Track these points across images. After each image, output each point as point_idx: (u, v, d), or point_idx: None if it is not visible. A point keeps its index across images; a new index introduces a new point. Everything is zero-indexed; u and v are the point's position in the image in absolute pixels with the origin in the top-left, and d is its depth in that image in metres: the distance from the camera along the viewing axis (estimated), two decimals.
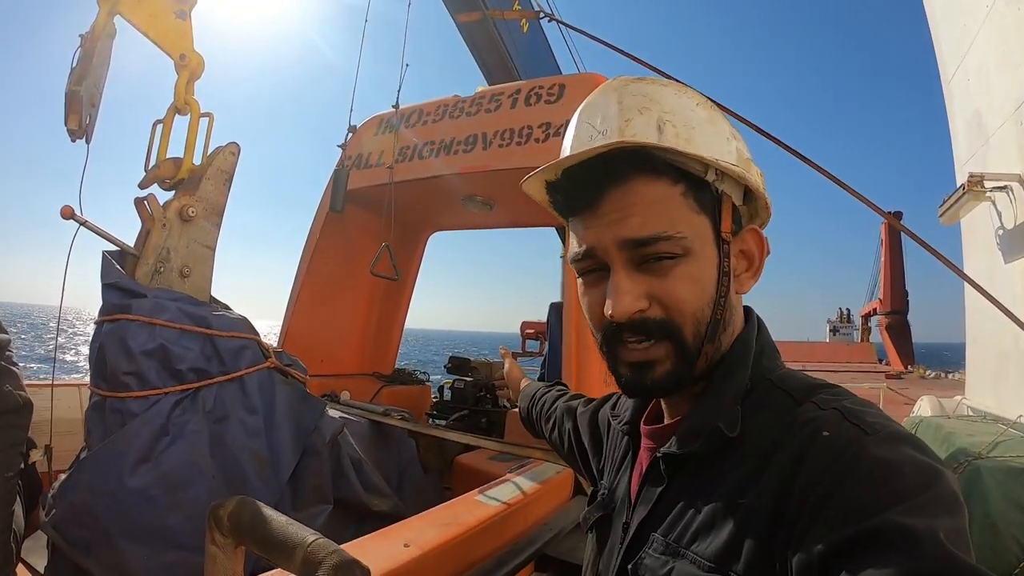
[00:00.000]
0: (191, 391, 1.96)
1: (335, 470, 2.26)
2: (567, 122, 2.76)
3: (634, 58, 3.49)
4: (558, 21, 3.66)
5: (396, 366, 4.16)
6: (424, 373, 4.23)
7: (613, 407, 1.08)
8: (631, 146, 0.72)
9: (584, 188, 0.76)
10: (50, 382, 2.42)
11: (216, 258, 2.24)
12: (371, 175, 3.32)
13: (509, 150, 2.98)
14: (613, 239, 0.74)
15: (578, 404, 1.28)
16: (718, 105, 0.83)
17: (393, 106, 3.22)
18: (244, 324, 2.17)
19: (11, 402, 1.74)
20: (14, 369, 1.81)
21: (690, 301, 0.74)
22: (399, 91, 3.17)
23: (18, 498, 1.85)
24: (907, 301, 37.04)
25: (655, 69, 3.43)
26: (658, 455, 0.79)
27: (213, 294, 2.27)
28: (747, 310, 0.85)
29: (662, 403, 0.89)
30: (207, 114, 2.15)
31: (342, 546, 0.96)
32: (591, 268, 0.79)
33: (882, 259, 37.88)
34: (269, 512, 1.15)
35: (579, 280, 0.82)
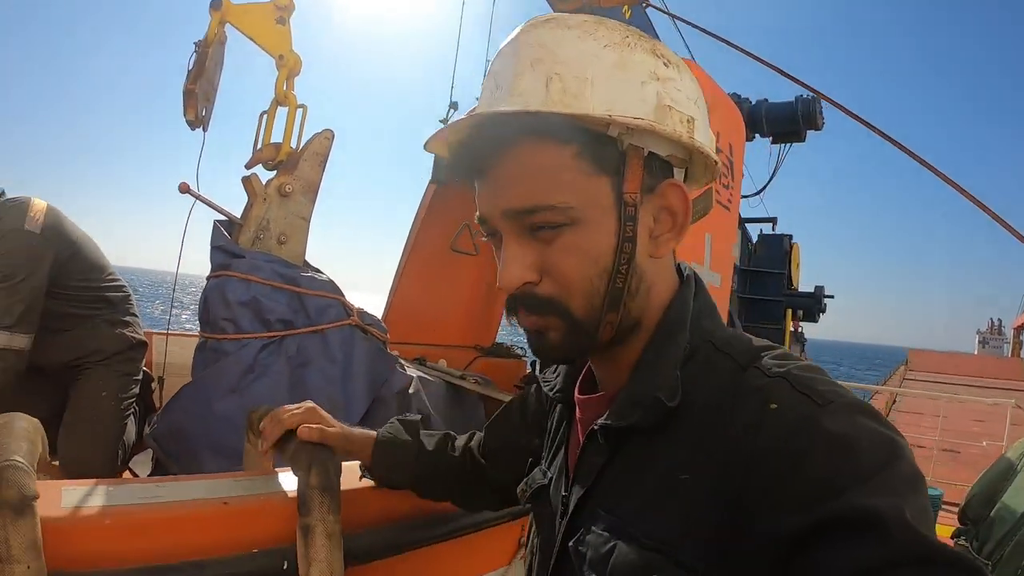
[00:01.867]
0: (277, 338, 2.31)
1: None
2: None
3: (735, 46, 3.47)
4: (654, 7, 3.70)
5: (496, 340, 4.41)
6: (522, 348, 4.44)
7: (544, 374, 1.01)
8: (503, 115, 0.69)
9: (475, 153, 0.74)
10: (166, 332, 2.91)
11: (313, 230, 2.60)
12: None
13: None
14: (499, 209, 0.72)
15: (514, 404, 1.21)
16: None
17: (476, 98, 3.45)
18: (330, 286, 2.50)
19: (125, 342, 2.36)
20: (132, 319, 2.42)
21: (577, 275, 0.70)
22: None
23: (132, 416, 2.36)
24: None
25: (761, 60, 3.38)
26: (595, 427, 0.75)
27: (309, 261, 2.64)
28: (680, 268, 0.82)
29: (594, 370, 0.86)
30: (302, 106, 2.50)
31: None
32: (491, 233, 0.77)
33: None
34: None
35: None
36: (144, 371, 2.56)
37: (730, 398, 0.65)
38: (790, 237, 6.66)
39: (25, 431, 1.10)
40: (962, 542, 2.61)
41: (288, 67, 2.44)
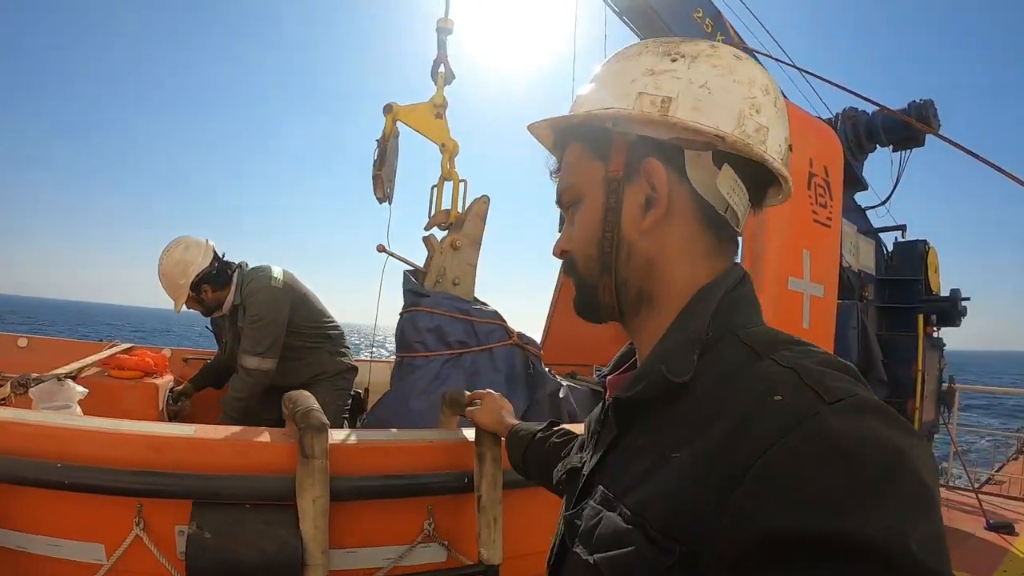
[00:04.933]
0: (456, 355, 3.02)
1: (555, 418, 3.13)
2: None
3: (814, 74, 3.77)
4: (743, 45, 4.00)
5: None
6: None
7: None
8: (539, 127, 0.92)
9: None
10: (370, 360, 3.79)
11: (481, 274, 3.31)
12: None
13: None
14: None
15: None
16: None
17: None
18: (495, 315, 3.16)
19: (341, 366, 3.41)
20: (346, 350, 3.49)
21: (578, 240, 0.85)
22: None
23: (345, 421, 3.32)
24: None
25: (840, 86, 3.66)
26: (607, 401, 0.80)
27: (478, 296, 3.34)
28: (737, 266, 0.83)
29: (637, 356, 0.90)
30: (463, 180, 3.19)
31: None
32: None
33: None
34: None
35: None
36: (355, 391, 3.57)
37: (735, 384, 0.64)
38: (925, 242, 6.46)
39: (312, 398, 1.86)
40: None
41: (449, 151, 3.16)
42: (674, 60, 0.78)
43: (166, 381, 3.46)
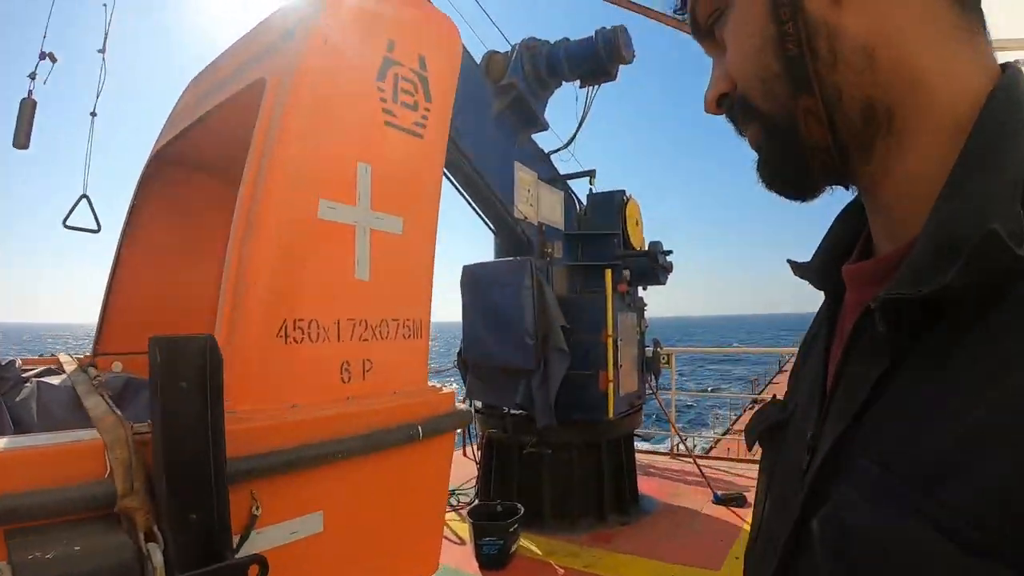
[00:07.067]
0: None
1: None
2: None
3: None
4: None
5: None
6: None
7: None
8: None
9: None
10: None
11: None
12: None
13: None
14: (694, 34, 0.64)
15: None
16: None
17: (99, 51, 3.24)
18: None
19: None
20: None
21: (741, 57, 0.56)
22: (106, 35, 3.18)
23: None
24: None
25: None
26: (871, 305, 0.44)
27: None
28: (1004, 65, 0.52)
29: (870, 226, 0.58)
30: None
31: None
32: None
33: None
34: None
35: None
36: None
37: None
38: (623, 193, 6.09)
39: None
40: None
41: None
42: None
43: None
